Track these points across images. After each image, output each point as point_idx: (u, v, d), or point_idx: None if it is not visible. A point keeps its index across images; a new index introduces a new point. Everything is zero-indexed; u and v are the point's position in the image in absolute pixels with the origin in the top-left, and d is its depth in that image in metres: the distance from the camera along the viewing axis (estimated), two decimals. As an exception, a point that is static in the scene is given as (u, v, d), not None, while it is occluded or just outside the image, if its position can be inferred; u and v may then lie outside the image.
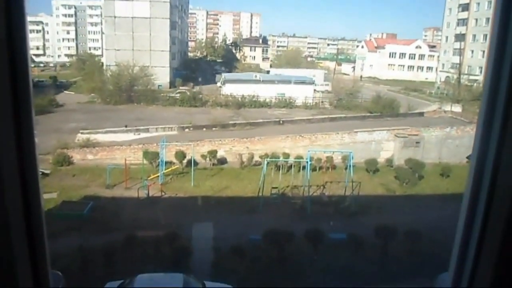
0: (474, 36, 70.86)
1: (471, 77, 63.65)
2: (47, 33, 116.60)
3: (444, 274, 1.94)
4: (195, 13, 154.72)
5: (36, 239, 1.46)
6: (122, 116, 39.22)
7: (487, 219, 1.61)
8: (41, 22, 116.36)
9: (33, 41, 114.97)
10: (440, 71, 79.77)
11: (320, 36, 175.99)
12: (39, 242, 1.48)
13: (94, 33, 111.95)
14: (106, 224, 18.96)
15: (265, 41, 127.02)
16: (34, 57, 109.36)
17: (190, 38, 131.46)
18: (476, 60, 68.93)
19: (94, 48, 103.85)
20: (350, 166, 23.80)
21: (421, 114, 46.02)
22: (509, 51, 1.45)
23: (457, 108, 46.57)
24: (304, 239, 17.03)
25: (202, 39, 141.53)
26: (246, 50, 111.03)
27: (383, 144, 32.24)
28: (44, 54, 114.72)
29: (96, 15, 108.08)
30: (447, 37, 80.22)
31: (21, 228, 1.40)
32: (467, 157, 27.51)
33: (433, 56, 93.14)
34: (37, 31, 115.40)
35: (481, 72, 66.52)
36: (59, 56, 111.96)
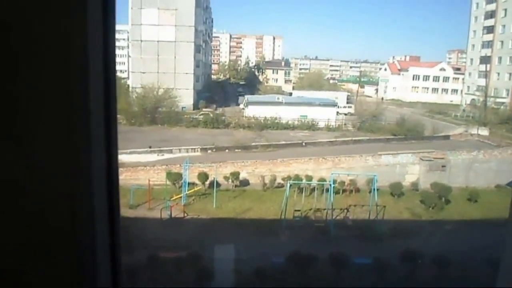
0: (500, 58, 69.85)
1: (498, 100, 62.52)
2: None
3: None
4: (218, 37, 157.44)
5: (115, 241, 1.51)
6: (147, 137, 39.76)
7: None
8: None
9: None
10: (466, 93, 78.62)
11: (342, 59, 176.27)
12: (117, 243, 1.53)
13: (121, 56, 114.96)
14: (129, 244, 19.04)
15: (287, 63, 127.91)
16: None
17: (214, 61, 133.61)
18: (503, 83, 67.76)
19: (121, 71, 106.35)
20: (374, 189, 23.47)
21: (447, 137, 45.16)
22: None
23: (484, 131, 45.59)
24: (327, 263, 16.74)
25: (225, 62, 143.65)
26: (269, 72, 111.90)
27: (408, 167, 31.70)
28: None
29: (123, 39, 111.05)
30: (472, 60, 79.28)
31: (105, 231, 1.45)
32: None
33: (458, 78, 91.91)
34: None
35: (508, 94, 65.32)
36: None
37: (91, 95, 1.28)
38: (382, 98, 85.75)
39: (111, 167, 1.45)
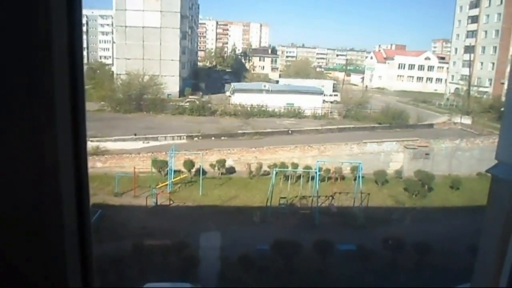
0: (484, 48, 70.67)
1: (481, 89, 63.34)
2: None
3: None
4: (205, 23, 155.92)
5: (84, 238, 1.49)
6: (132, 125, 39.45)
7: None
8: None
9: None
10: (450, 82, 79.47)
11: (329, 47, 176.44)
12: (87, 241, 1.51)
13: (105, 42, 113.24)
14: (114, 232, 19.00)
15: (274, 51, 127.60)
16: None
17: (200, 47, 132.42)
18: (486, 72, 68.65)
19: (105, 57, 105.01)
20: (359, 177, 23.72)
21: (431, 125, 45.78)
22: None
23: (467, 120, 46.28)
24: (312, 250, 16.94)
25: (212, 49, 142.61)
26: (255, 60, 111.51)
27: (392, 155, 32.08)
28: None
29: (107, 25, 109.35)
30: (456, 49, 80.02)
31: (73, 228, 1.44)
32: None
33: (442, 67, 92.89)
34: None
35: (490, 84, 66.23)
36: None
37: (56, 85, 1.26)
38: (366, 86, 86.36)
39: (79, 164, 1.43)
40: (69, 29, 1.32)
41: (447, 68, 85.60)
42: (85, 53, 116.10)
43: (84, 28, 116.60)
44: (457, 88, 70.68)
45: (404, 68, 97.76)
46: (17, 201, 1.29)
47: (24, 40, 1.20)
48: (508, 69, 56.65)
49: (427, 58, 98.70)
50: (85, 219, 1.49)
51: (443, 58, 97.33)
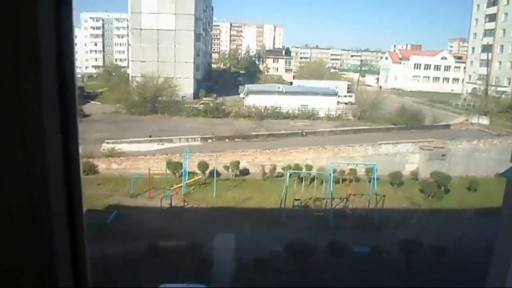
0: (502, 46, 69.47)
1: (499, 89, 62.33)
2: (76, 45, 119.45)
3: None
4: (219, 25, 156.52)
5: (76, 239, 1.49)
6: (147, 127, 39.76)
7: None
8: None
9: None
10: (467, 82, 78.34)
11: (343, 48, 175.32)
12: (80, 242, 1.51)
13: (120, 45, 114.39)
14: (129, 233, 19.18)
15: (288, 52, 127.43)
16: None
17: (214, 49, 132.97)
18: (504, 71, 67.47)
19: (120, 60, 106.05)
20: (374, 178, 23.50)
21: (447, 126, 45.14)
22: None
23: (485, 121, 45.52)
24: (326, 252, 16.83)
25: (226, 51, 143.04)
26: (269, 61, 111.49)
27: (408, 156, 31.72)
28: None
29: (123, 27, 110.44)
30: (473, 48, 78.83)
31: (63, 229, 1.44)
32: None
33: (459, 67, 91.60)
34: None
35: (509, 83, 65.09)
36: (86, 67, 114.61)
37: (44, 90, 1.25)
38: (380, 87, 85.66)
39: (71, 167, 1.42)
40: (58, 34, 1.32)
41: (464, 67, 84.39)
42: (100, 55, 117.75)
43: (100, 31, 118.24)
44: (474, 88, 69.65)
45: (420, 68, 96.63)
46: (7, 203, 1.29)
47: (11, 47, 1.20)
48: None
49: (444, 58, 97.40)
50: (77, 221, 1.48)
51: (460, 58, 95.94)
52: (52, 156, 1.33)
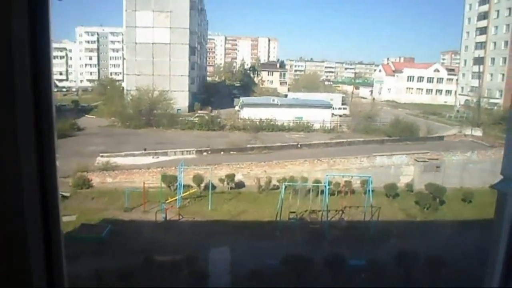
0: (493, 59, 70.38)
1: (491, 101, 62.95)
2: (70, 59, 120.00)
3: None
4: (214, 39, 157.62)
5: (52, 240, 1.50)
6: (142, 140, 39.70)
7: None
8: (65, 49, 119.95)
9: (57, 66, 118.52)
10: (459, 94, 79.05)
11: (337, 60, 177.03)
12: (55, 243, 1.51)
13: (115, 59, 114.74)
14: (123, 247, 19.02)
15: (282, 65, 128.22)
16: (57, 82, 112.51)
17: (209, 63, 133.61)
18: (496, 83, 68.25)
19: (115, 73, 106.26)
20: (369, 190, 23.52)
21: (441, 138, 45.39)
22: None
23: (478, 132, 45.86)
24: (322, 265, 16.76)
25: (221, 64, 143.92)
26: (264, 74, 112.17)
27: (403, 168, 31.82)
28: (67, 79, 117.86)
29: (118, 41, 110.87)
30: (465, 61, 79.77)
31: (37, 230, 1.45)
32: (491, 186, 26.87)
33: (452, 79, 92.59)
34: (61, 57, 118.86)
35: (501, 95, 65.76)
36: (81, 81, 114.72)
37: (17, 100, 1.27)
38: (374, 99, 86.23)
39: (45, 172, 1.43)
40: (33, 49, 1.33)
41: (457, 80, 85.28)
42: (96, 69, 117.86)
43: (95, 45, 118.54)
44: (467, 100, 70.27)
45: (413, 80, 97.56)
46: None
47: None
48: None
49: (436, 70, 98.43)
50: (53, 222, 1.49)
51: (452, 70, 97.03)
52: (25, 155, 1.34)
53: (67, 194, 25.25)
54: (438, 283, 16.34)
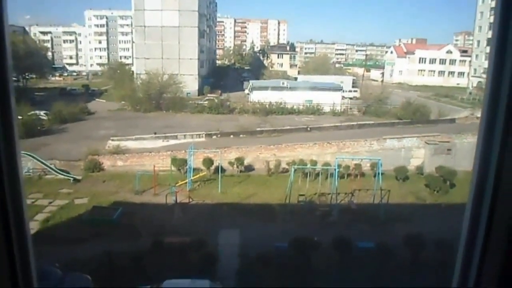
0: (508, 40, 68.88)
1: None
2: (80, 43, 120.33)
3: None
4: (223, 21, 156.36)
5: (19, 240, 1.49)
6: (152, 123, 39.93)
7: (492, 221, 1.59)
8: (74, 33, 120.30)
9: (66, 50, 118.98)
10: (472, 76, 77.80)
11: (348, 42, 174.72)
12: (22, 243, 1.51)
13: (124, 42, 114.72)
14: (134, 229, 19.31)
15: (292, 48, 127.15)
16: (67, 66, 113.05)
17: (218, 46, 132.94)
18: (510, 65, 66.95)
19: (125, 57, 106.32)
20: (379, 173, 23.44)
21: (453, 120, 44.89)
22: (509, 55, 1.43)
23: (490, 114, 45.14)
24: (330, 248, 16.85)
25: (230, 47, 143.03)
26: (274, 57, 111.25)
27: (413, 151, 31.60)
28: (77, 63, 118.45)
29: (127, 25, 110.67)
30: (478, 42, 78.24)
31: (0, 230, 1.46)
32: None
33: (465, 61, 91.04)
34: (70, 41, 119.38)
35: (515, 76, 64.57)
36: (91, 65, 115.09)
37: None
38: (382, 81, 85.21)
39: (4, 171, 1.43)
40: None
41: (470, 61, 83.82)
42: (105, 53, 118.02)
43: (104, 29, 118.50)
44: (480, 81, 69.16)
45: (425, 62, 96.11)
46: None
47: None
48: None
49: (449, 52, 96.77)
50: (18, 224, 1.48)
51: (465, 51, 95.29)
52: None
53: (79, 177, 25.62)
54: (444, 266, 16.35)
